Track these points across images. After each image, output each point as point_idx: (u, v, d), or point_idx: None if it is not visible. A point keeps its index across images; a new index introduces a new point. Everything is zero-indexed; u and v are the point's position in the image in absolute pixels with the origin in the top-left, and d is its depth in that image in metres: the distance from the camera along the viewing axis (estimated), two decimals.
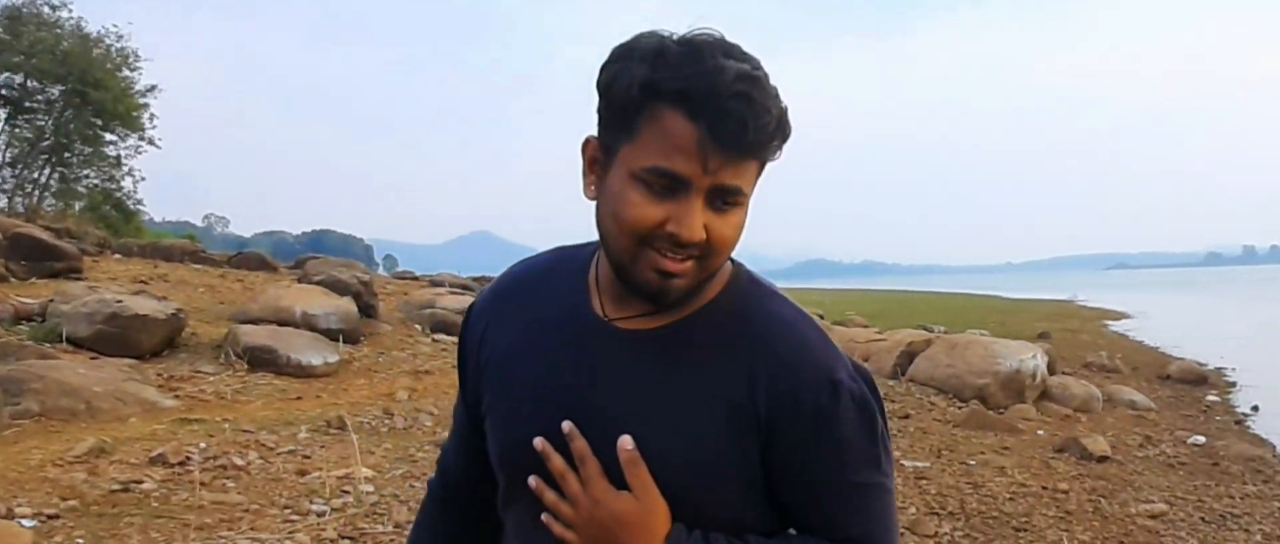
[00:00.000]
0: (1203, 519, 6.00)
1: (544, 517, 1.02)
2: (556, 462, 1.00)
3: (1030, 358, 10.15)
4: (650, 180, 0.91)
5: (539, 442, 1.00)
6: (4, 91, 21.67)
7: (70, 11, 21.98)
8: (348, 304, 10.02)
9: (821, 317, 14.01)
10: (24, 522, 3.85)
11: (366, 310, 10.79)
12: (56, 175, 22.92)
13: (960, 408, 9.34)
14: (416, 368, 9.23)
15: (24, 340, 7.07)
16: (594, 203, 0.98)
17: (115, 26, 22.29)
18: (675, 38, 0.92)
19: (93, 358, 7.31)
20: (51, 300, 8.15)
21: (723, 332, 1.01)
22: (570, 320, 1.05)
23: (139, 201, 23.55)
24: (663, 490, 0.97)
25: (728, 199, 0.93)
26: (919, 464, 6.84)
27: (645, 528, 0.97)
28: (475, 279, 20.77)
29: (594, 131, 0.98)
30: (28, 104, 22.05)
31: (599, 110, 0.96)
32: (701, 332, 1.01)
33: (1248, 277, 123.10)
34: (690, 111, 0.88)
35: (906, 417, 8.65)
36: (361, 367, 9.06)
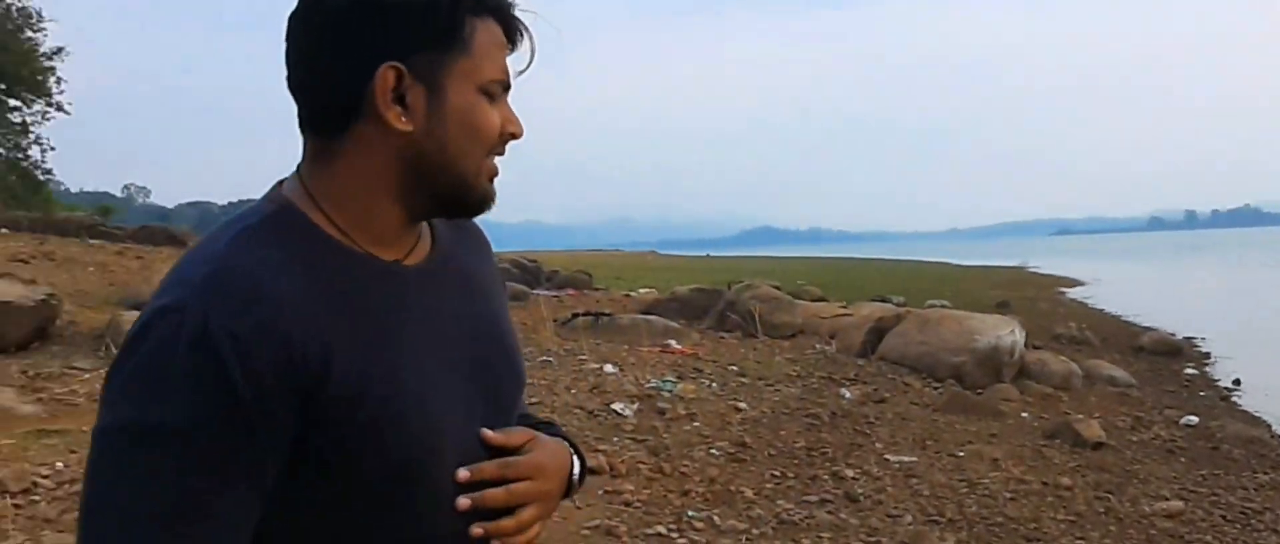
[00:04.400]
0: (1223, 518, 5.45)
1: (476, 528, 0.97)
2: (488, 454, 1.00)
3: (1007, 334, 9.56)
4: (493, 90, 0.95)
5: (489, 434, 1.00)
6: None
7: None
8: None
9: (778, 287, 13.31)
10: None
11: None
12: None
13: (937, 389, 8.73)
14: None
15: None
16: (404, 133, 0.92)
17: None
18: None
19: None
20: None
21: (458, 253, 1.06)
22: (377, 285, 0.94)
23: (47, 171, 22.03)
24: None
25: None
26: (905, 458, 6.14)
27: (559, 457, 1.08)
28: None
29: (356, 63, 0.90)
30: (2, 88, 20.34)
31: (388, 32, 0.90)
32: (451, 251, 1.05)
33: (1192, 241, 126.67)
34: (501, 20, 0.96)
35: (882, 401, 7.97)
36: None
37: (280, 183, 0.97)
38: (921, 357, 9.44)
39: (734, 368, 8.78)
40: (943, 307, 13.57)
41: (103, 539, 0.81)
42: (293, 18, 0.92)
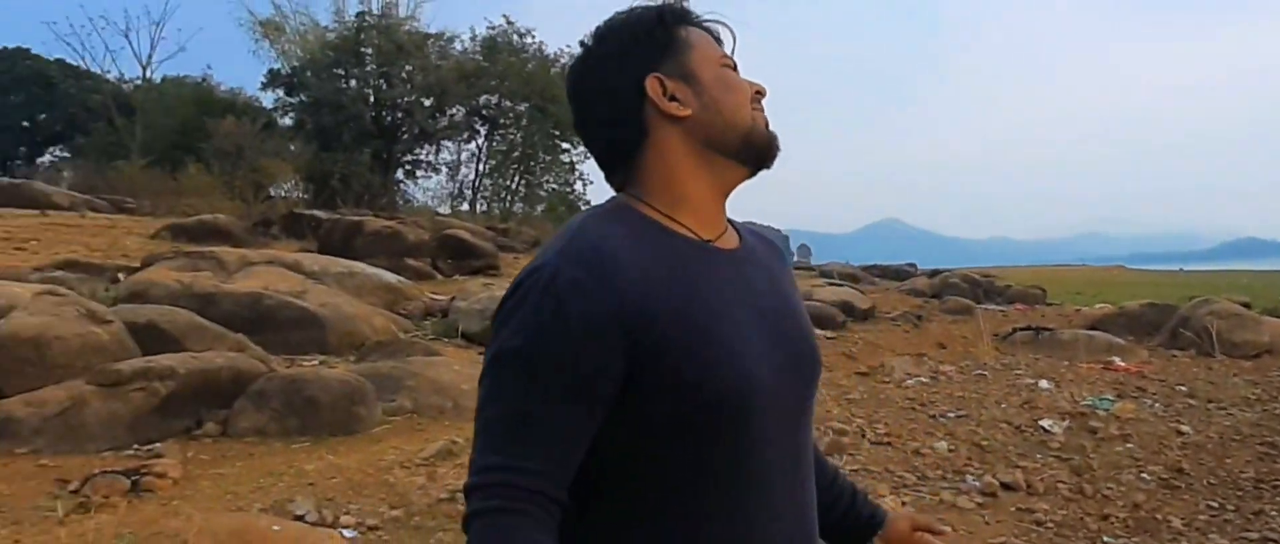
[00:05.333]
0: None
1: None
2: None
3: None
4: (729, 64, 1.20)
5: None
6: (484, 111, 25.79)
7: (534, 37, 25.78)
8: None
9: (1248, 305, 11.41)
10: (345, 532, 4.13)
11: None
12: (523, 182, 26.82)
13: None
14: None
15: (427, 336, 8.07)
16: (685, 116, 1.15)
17: (569, 47, 25.40)
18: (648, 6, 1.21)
19: (481, 354, 8.09)
20: (454, 299, 9.23)
21: (760, 251, 1.25)
22: (695, 257, 1.13)
23: (588, 203, 26.69)
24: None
25: None
26: None
27: None
28: (866, 268, 19.88)
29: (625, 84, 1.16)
30: (501, 121, 26.16)
31: (636, 61, 1.16)
32: (754, 250, 1.24)
33: None
34: (695, 25, 1.21)
35: None
36: None
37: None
38: None
39: (1182, 388, 7.90)
40: None
41: (475, 440, 1.05)
42: (569, 98, 1.21)
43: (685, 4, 1.25)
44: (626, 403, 1.06)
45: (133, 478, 4.74)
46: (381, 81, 24.23)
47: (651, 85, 1.15)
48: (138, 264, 9.41)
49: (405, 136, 24.75)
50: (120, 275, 8.85)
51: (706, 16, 1.23)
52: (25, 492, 4.52)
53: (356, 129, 23.21)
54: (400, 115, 24.34)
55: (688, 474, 1.09)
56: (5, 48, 31.07)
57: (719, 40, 1.22)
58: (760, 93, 1.21)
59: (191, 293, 7.85)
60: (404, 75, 24.28)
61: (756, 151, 1.19)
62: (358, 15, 24.84)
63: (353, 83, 24.42)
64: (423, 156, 25.81)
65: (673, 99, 1.16)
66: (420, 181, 26.52)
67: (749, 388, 1.08)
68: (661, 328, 1.05)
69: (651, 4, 1.21)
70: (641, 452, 1.08)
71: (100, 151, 25.43)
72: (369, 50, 24.33)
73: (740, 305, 1.13)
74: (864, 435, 6.35)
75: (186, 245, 11.16)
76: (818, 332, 9.67)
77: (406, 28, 25.05)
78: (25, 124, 30.73)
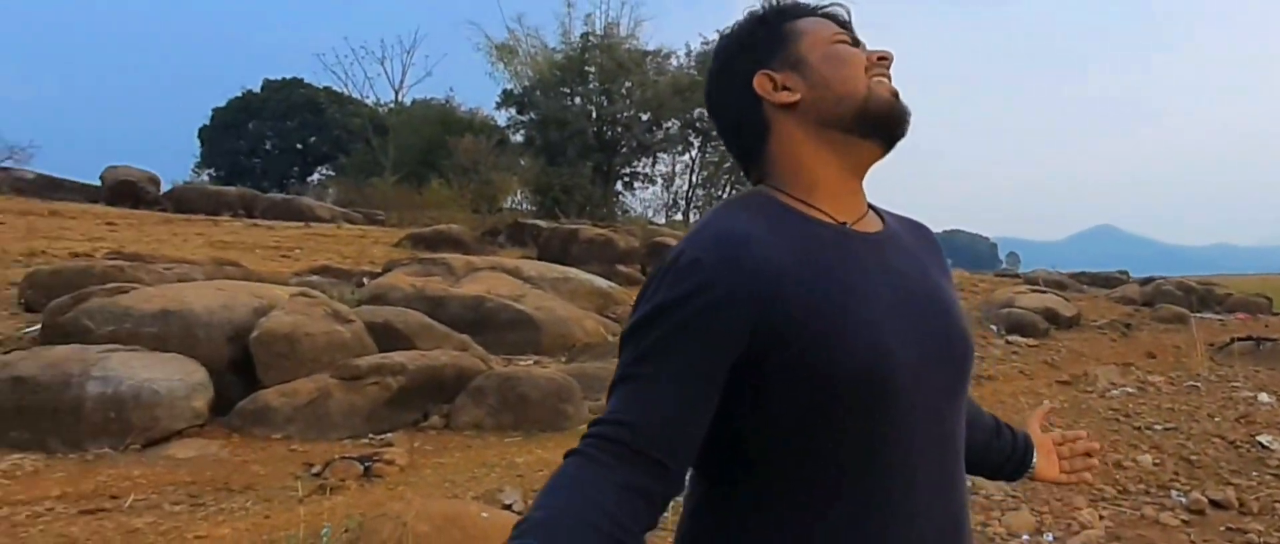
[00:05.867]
0: None
1: None
2: None
3: None
4: (843, 39, 1.19)
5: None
6: (698, 124, 26.20)
7: None
8: None
9: None
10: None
11: None
12: (734, 192, 27.06)
13: None
14: (979, 372, 8.51)
15: None
16: (796, 100, 1.17)
17: None
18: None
19: None
20: None
21: (904, 236, 1.22)
22: (831, 240, 1.12)
23: None
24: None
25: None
26: None
27: None
28: (1074, 275, 18.19)
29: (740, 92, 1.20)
30: (713, 133, 26.39)
31: (744, 64, 1.20)
32: (898, 235, 1.21)
33: None
34: (809, 13, 1.22)
35: None
36: None
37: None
38: None
39: None
40: None
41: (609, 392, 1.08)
42: (709, 114, 1.29)
43: None
44: (760, 385, 1.05)
45: (365, 464, 5.20)
46: (603, 98, 25.33)
47: (759, 82, 1.19)
48: (380, 270, 10.32)
49: (624, 150, 25.65)
50: (365, 280, 9.73)
51: (821, 1, 1.24)
52: (277, 473, 5.07)
53: (580, 144, 24.34)
54: (620, 130, 25.27)
55: (823, 461, 1.07)
56: (284, 79, 35.25)
57: (838, 20, 1.22)
58: (884, 58, 1.19)
59: (423, 296, 8.49)
60: (624, 92, 25.20)
61: (877, 120, 1.16)
62: (582, 36, 26.01)
63: (577, 100, 25.69)
64: (640, 169, 26.65)
65: (783, 89, 1.18)
66: (637, 192, 27.43)
67: (888, 369, 1.05)
68: (792, 307, 1.05)
69: (757, 10, 1.24)
70: (777, 435, 1.07)
71: (358, 169, 28.07)
72: (592, 69, 25.47)
73: (881, 287, 1.11)
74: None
75: (423, 252, 12.10)
76: (1018, 339, 9.26)
77: (627, 46, 25.95)
78: (298, 146, 34.68)
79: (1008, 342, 10.04)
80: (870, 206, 1.23)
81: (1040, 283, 14.36)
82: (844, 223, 1.15)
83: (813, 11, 1.23)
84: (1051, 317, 11.32)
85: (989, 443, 1.42)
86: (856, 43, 1.21)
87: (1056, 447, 1.49)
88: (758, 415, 1.07)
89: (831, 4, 1.24)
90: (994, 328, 10.60)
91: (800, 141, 1.17)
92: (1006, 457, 1.43)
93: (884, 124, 1.17)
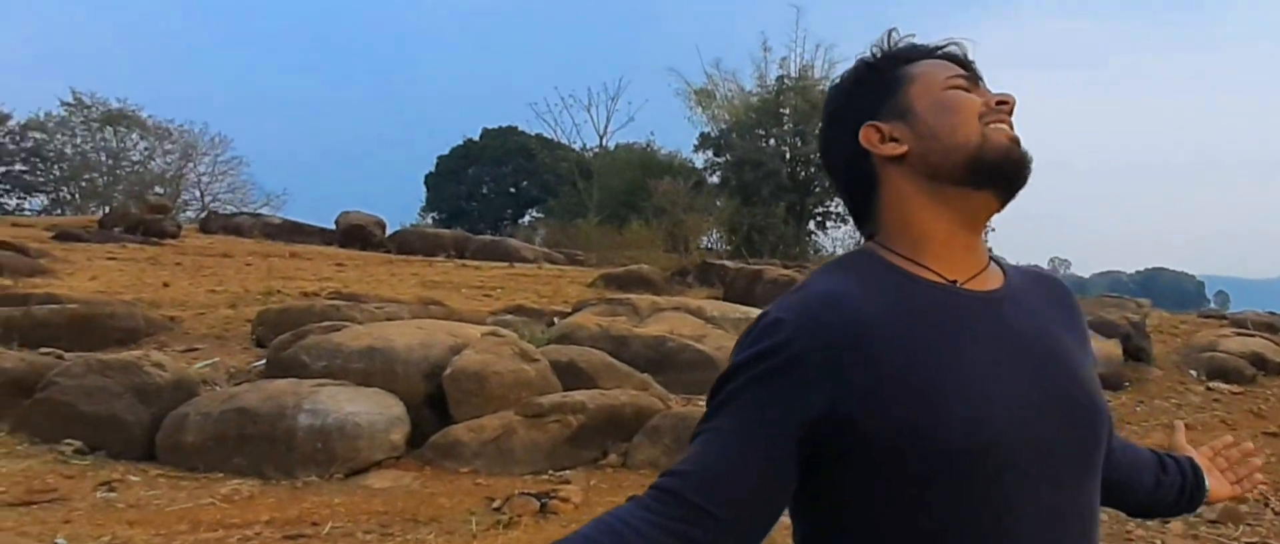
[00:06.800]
0: None
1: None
2: None
3: None
4: (959, 85, 1.11)
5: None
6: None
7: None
8: (1113, 347, 9.00)
9: None
10: None
11: (1135, 354, 9.62)
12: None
13: None
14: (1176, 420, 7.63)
15: None
16: (903, 152, 1.11)
17: None
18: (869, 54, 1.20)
19: None
20: None
21: (1027, 293, 1.14)
22: (936, 300, 1.07)
23: None
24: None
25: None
26: None
27: None
28: None
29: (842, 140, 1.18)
30: None
31: (852, 115, 1.15)
32: (1020, 292, 1.13)
33: None
34: (925, 56, 1.16)
35: None
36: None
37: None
38: None
39: None
40: None
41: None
42: (824, 168, 1.31)
43: (911, 39, 1.19)
44: (848, 450, 1.01)
45: (542, 500, 5.35)
46: (797, 139, 25.38)
47: (866, 135, 1.14)
48: (570, 309, 10.66)
49: (817, 190, 25.43)
50: (555, 319, 10.07)
51: (939, 42, 1.17)
52: (460, 506, 5.32)
53: (774, 184, 24.39)
54: (813, 170, 25.06)
55: (918, 533, 1.01)
56: (500, 127, 37.61)
57: (956, 60, 1.15)
58: (1003, 103, 1.11)
59: (608, 335, 8.69)
60: (817, 132, 24.99)
61: (991, 170, 1.09)
62: (778, 79, 26.25)
63: (772, 141, 25.91)
64: (832, 208, 26.22)
65: (891, 141, 1.13)
66: (830, 232, 27.04)
67: (988, 437, 0.99)
68: (880, 370, 1.00)
69: (866, 56, 1.19)
70: (867, 507, 1.03)
71: (565, 211, 29.42)
72: (786, 110, 25.70)
73: (991, 350, 1.04)
74: (1268, 504, 5.47)
75: (613, 292, 12.41)
76: (1221, 385, 8.28)
77: (820, 88, 25.80)
78: (512, 189, 36.82)
79: (1208, 388, 9.06)
80: (993, 259, 1.16)
81: (1248, 325, 12.70)
82: (954, 281, 1.09)
83: (930, 53, 1.16)
84: (1259, 362, 10.12)
85: (1158, 480, 1.34)
86: (976, 83, 1.14)
87: (1214, 459, 1.42)
88: (849, 483, 1.03)
89: (949, 43, 1.17)
90: (1193, 373, 9.58)
91: (909, 195, 1.12)
92: (1180, 489, 1.35)
93: (1000, 173, 1.09)
